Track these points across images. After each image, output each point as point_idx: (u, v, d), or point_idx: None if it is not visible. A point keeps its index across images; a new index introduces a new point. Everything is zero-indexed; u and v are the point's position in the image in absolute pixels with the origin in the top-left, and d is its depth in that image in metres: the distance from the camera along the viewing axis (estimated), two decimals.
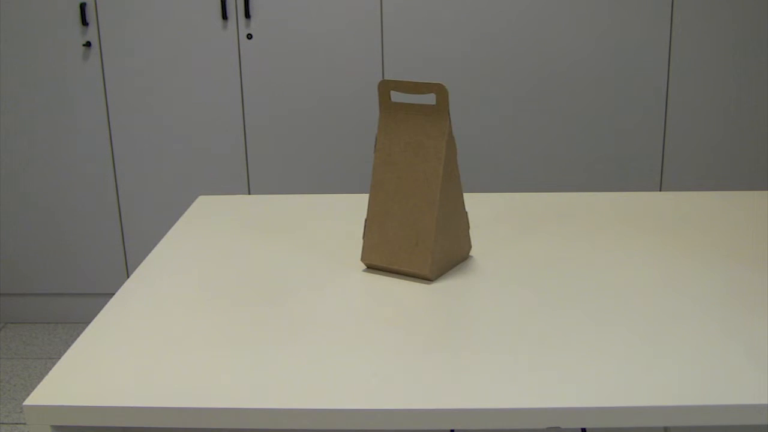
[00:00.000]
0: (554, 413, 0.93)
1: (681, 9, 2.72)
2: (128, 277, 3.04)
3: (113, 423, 0.95)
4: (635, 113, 2.82)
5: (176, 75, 2.83)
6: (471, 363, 1.02)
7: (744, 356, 1.03)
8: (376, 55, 2.80)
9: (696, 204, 1.63)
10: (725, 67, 2.77)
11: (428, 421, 0.93)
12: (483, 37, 2.77)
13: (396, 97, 2.77)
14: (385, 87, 1.30)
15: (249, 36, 2.79)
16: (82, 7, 2.75)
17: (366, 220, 1.32)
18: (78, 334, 3.02)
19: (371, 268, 1.33)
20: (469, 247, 1.36)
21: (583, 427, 0.93)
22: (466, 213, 1.33)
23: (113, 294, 2.52)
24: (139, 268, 1.36)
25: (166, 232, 2.89)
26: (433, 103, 2.71)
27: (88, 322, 3.12)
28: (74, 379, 1.01)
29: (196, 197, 2.67)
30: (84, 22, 2.77)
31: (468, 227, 1.34)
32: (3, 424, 2.47)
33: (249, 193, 2.94)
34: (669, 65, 2.77)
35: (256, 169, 2.91)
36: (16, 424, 2.48)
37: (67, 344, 2.95)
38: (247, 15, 2.76)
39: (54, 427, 0.96)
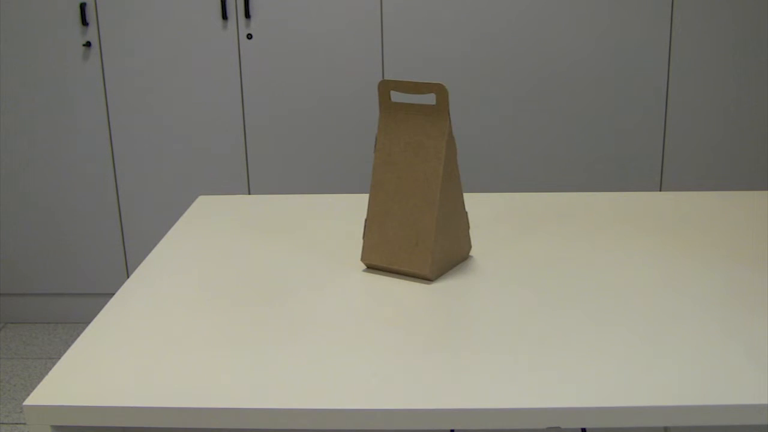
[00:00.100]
0: (554, 413, 0.93)
1: (681, 9, 2.72)
2: (128, 277, 3.04)
3: (113, 423, 0.95)
4: (635, 113, 2.82)
5: (176, 75, 2.83)
6: (471, 363, 1.02)
7: (744, 356, 1.03)
8: (376, 55, 2.80)
9: (696, 204, 1.63)
10: (725, 67, 2.77)
11: (428, 421, 0.93)
12: (483, 37, 2.77)
13: (396, 97, 2.77)
14: (385, 87, 1.30)
15: (249, 36, 2.79)
16: (82, 7, 2.75)
17: (366, 220, 1.32)
18: (78, 334, 3.02)
19: (371, 268, 1.33)
20: (469, 247, 1.36)
21: (583, 427, 0.93)
22: (466, 213, 1.33)
23: (113, 294, 2.52)
24: (139, 268, 1.36)
25: (166, 232, 2.89)
26: (433, 103, 2.71)
27: (88, 322, 3.12)
28: (74, 379, 1.01)
29: (196, 197, 2.67)
30: (84, 22, 2.77)
31: (468, 227, 1.34)
32: (3, 424, 2.47)
33: (249, 193, 2.94)
34: (669, 65, 2.77)
35: (256, 169, 2.91)
36: (16, 424, 2.48)
37: (67, 344, 2.95)
38: (247, 15, 2.76)
39: (54, 427, 0.96)
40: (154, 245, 3.00)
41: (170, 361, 1.04)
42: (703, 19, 2.73)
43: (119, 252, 3.00)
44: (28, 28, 2.80)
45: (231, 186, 2.93)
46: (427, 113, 1.27)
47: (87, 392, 0.97)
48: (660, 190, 2.85)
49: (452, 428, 0.93)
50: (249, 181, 2.92)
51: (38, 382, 2.72)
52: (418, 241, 1.27)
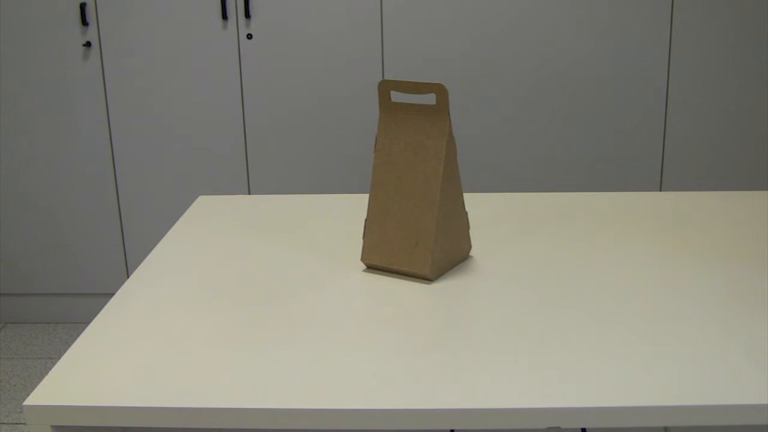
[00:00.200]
0: (554, 413, 0.93)
1: (681, 9, 2.72)
2: (128, 277, 3.04)
3: (113, 423, 0.95)
4: (635, 113, 2.82)
5: (176, 75, 2.83)
6: (471, 363, 1.02)
7: (744, 356, 1.03)
8: (376, 55, 2.80)
9: (696, 204, 1.63)
10: (725, 67, 2.77)
11: (428, 421, 0.93)
12: (483, 37, 2.77)
13: (396, 97, 2.77)
14: (385, 87, 1.30)
15: (249, 36, 2.79)
16: (82, 7, 2.75)
17: (366, 220, 1.32)
18: (78, 334, 3.02)
19: (371, 268, 1.33)
20: (469, 247, 1.36)
21: (583, 427, 0.93)
22: (466, 213, 1.33)
23: (113, 294, 2.52)
24: (139, 268, 1.36)
25: (166, 232, 2.89)
26: (433, 103, 2.71)
27: (88, 322, 3.12)
28: (74, 379, 1.01)
29: (196, 197, 2.67)
30: (84, 22, 2.77)
31: (468, 227, 1.34)
32: (3, 424, 2.47)
33: (249, 193, 2.94)
34: (669, 65, 2.77)
35: (256, 169, 2.91)
36: (16, 424, 2.48)
37: (67, 344, 2.95)
38: (247, 15, 2.76)
39: (54, 427, 0.96)
40: (154, 245, 3.00)
41: (170, 361, 1.04)
42: (703, 19, 2.73)
43: (119, 252, 3.00)
44: (28, 28, 2.80)
45: (231, 186, 2.93)
46: (427, 113, 1.27)
47: (87, 392, 0.97)
48: (660, 190, 2.85)
49: (452, 428, 0.93)
50: (249, 181, 2.92)
51: (38, 382, 2.72)
52: (418, 241, 1.27)
